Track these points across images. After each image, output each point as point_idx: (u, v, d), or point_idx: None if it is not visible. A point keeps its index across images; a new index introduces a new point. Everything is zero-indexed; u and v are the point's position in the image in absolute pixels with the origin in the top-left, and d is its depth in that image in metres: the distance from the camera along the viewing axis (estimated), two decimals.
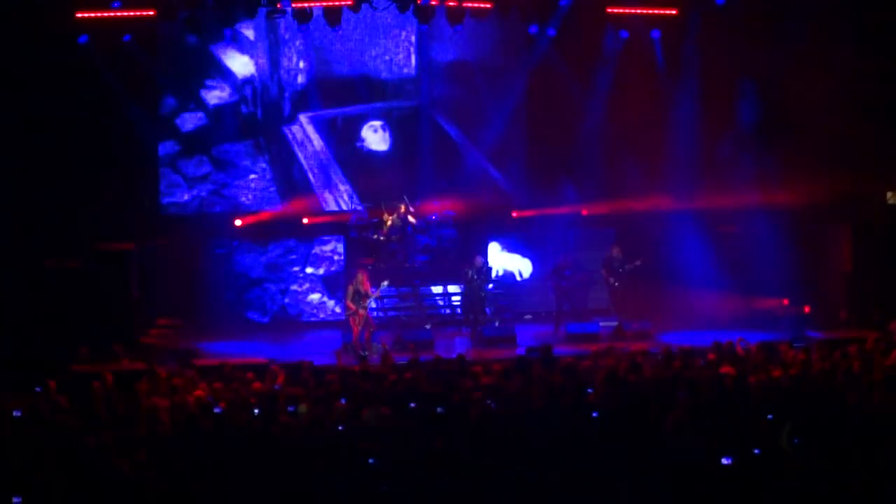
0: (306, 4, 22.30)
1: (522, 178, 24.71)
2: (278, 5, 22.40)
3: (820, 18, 22.38)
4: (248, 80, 23.93)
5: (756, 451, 11.78)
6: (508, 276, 24.00)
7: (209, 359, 19.11)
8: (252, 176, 24.10)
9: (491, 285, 22.38)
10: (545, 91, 24.18)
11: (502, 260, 24.00)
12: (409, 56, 24.47)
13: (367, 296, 20.39)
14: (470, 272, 21.55)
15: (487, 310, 22.04)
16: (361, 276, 20.57)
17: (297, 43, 23.91)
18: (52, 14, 21.25)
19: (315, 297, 24.02)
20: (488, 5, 22.83)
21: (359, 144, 24.52)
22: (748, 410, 13.42)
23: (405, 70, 24.50)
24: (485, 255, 23.06)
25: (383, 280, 21.16)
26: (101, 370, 16.60)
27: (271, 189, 24.19)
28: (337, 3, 22.38)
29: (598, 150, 24.11)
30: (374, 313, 21.57)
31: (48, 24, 21.28)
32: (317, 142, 24.24)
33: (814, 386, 14.60)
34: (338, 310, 23.39)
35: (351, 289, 20.49)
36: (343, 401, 14.28)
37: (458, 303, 22.87)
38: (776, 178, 22.93)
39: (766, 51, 23.34)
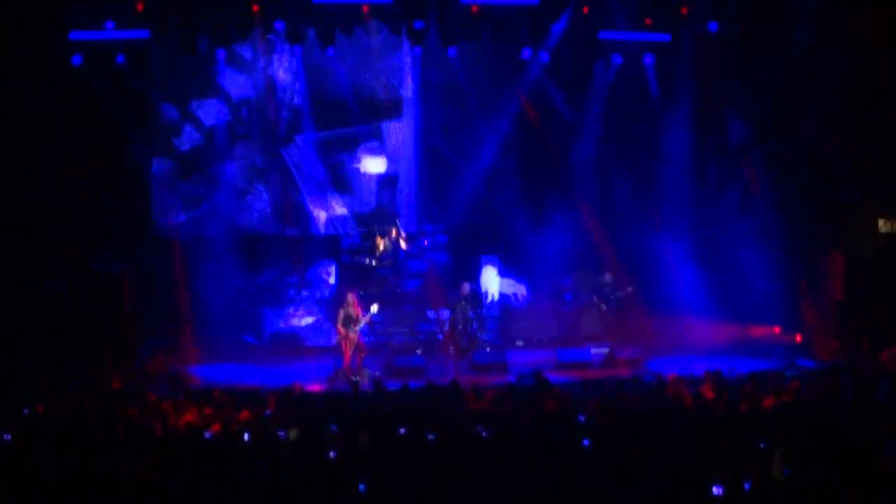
0: (300, 26, 22.39)
1: (515, 202, 24.74)
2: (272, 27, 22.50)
3: (812, 43, 22.44)
4: (243, 101, 23.99)
5: (747, 480, 11.75)
6: (501, 301, 23.91)
7: (201, 382, 19.06)
8: (247, 196, 24.11)
9: (483, 310, 22.32)
10: (538, 115, 24.22)
11: (495, 284, 23.93)
12: (404, 78, 24.51)
13: (357, 320, 20.22)
14: (457, 299, 21.46)
15: (479, 335, 21.97)
16: (352, 300, 20.39)
17: (293, 64, 23.94)
18: (46, 34, 21.28)
19: (309, 320, 23.97)
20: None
21: (354, 166, 24.53)
22: (739, 439, 13.40)
23: (400, 91, 24.54)
24: (476, 280, 23.04)
25: (373, 304, 21.01)
26: (91, 392, 16.57)
27: (266, 210, 24.20)
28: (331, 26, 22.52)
29: (591, 174, 24.17)
30: (366, 338, 21.48)
31: (41, 45, 21.30)
32: (312, 163, 24.25)
33: (805, 415, 14.59)
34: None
35: (341, 313, 20.34)
36: (334, 427, 14.25)
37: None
38: (768, 205, 22.99)
39: (758, 76, 23.41)
